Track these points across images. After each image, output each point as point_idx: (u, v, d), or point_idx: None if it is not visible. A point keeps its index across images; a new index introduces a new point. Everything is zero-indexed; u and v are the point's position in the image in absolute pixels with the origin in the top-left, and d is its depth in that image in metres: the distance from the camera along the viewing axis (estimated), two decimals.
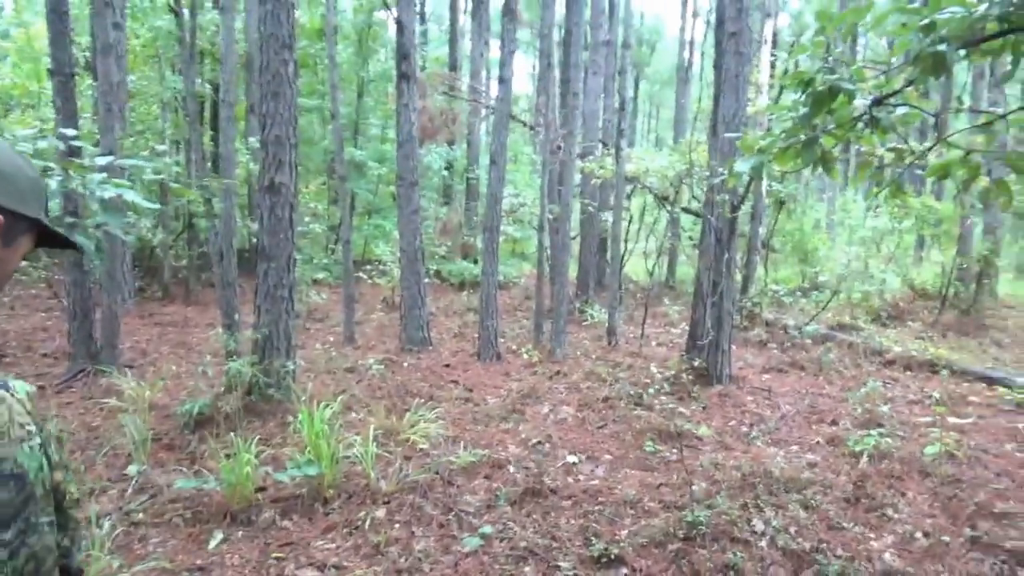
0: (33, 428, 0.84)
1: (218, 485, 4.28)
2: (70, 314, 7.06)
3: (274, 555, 3.79)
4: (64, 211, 5.37)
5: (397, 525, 4.13)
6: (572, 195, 10.04)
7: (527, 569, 3.64)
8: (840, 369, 8.43)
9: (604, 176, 11.57)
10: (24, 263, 11.09)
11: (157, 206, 2.50)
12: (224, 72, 6.50)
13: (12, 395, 0.85)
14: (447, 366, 8.33)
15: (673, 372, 7.52)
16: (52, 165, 2.61)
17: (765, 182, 11.84)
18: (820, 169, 2.96)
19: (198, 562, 3.68)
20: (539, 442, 5.56)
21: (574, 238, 14.45)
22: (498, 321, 8.88)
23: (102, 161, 2.76)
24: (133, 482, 4.56)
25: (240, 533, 4.03)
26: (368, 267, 14.08)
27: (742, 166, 3.01)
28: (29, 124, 11.97)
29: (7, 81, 15.82)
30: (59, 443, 0.92)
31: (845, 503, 4.48)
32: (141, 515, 4.18)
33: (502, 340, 9.85)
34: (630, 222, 13.59)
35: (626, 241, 12.60)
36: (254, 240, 12.31)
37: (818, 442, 5.75)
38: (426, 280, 14.78)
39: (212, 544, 3.88)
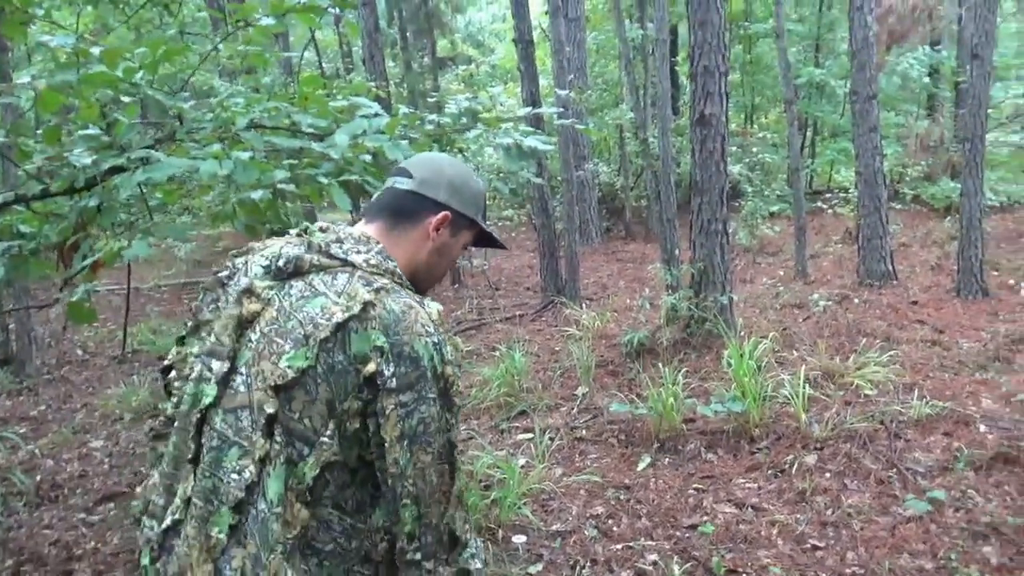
0: (432, 330, 1.12)
1: (648, 412, 4.49)
2: (540, 253, 8.13)
3: (695, 486, 3.84)
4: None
5: (828, 474, 3.80)
6: None
7: (987, 549, 3.00)
8: None
9: None
10: (508, 211, 13.08)
11: (551, 147, 2.66)
12: (657, 9, 6.59)
13: (423, 307, 1.14)
14: (914, 303, 7.25)
15: None
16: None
17: None
18: None
19: (626, 481, 3.94)
20: None
21: None
22: (984, 249, 7.34)
23: (521, 112, 2.99)
24: (579, 402, 5.08)
25: (667, 460, 4.18)
26: (828, 195, 12.98)
27: None
28: (513, 93, 13.98)
29: (502, 57, 18.74)
30: (455, 348, 1.18)
31: None
32: (584, 432, 4.65)
33: (995, 273, 8.17)
34: None
35: None
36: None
37: None
38: (898, 205, 13.05)
39: (640, 466, 4.11)
